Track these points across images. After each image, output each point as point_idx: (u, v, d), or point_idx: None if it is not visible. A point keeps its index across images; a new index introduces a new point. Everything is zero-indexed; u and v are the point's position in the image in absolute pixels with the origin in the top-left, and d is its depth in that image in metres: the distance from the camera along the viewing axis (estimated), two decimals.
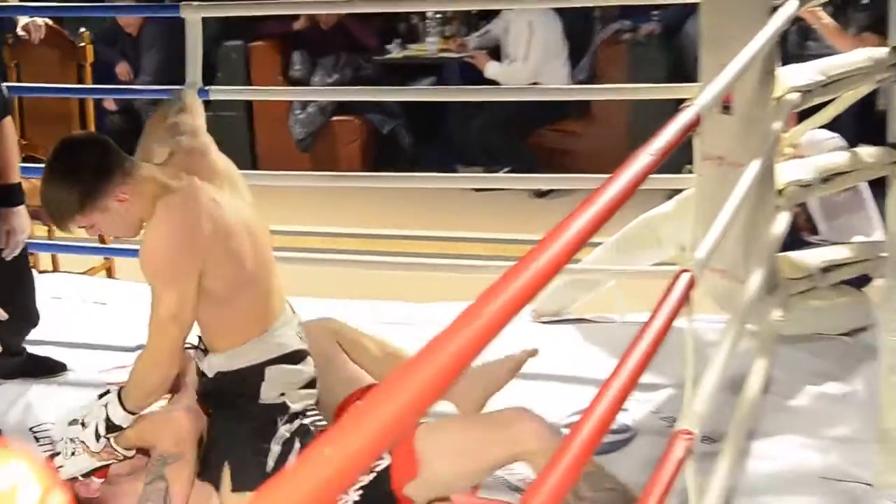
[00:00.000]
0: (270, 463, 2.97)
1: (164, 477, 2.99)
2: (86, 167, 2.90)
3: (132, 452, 3.13)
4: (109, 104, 8.14)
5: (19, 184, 3.77)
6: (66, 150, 3.01)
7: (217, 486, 3.00)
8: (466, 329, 1.24)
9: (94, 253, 5.77)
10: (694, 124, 2.10)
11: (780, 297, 3.77)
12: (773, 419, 3.66)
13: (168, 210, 2.90)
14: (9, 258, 3.69)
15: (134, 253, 5.47)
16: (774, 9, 3.46)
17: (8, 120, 3.82)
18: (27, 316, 4.05)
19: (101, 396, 3.11)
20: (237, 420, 3.04)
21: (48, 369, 4.31)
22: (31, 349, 4.33)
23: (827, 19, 4.73)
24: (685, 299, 2.13)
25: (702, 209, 2.89)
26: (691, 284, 2.15)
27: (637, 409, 3.79)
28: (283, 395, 3.03)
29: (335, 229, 6.80)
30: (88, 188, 2.89)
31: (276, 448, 2.98)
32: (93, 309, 5.01)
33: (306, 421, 3.05)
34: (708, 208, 2.50)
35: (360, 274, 5.35)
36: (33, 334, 4.46)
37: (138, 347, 4.41)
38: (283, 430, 3.00)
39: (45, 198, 2.97)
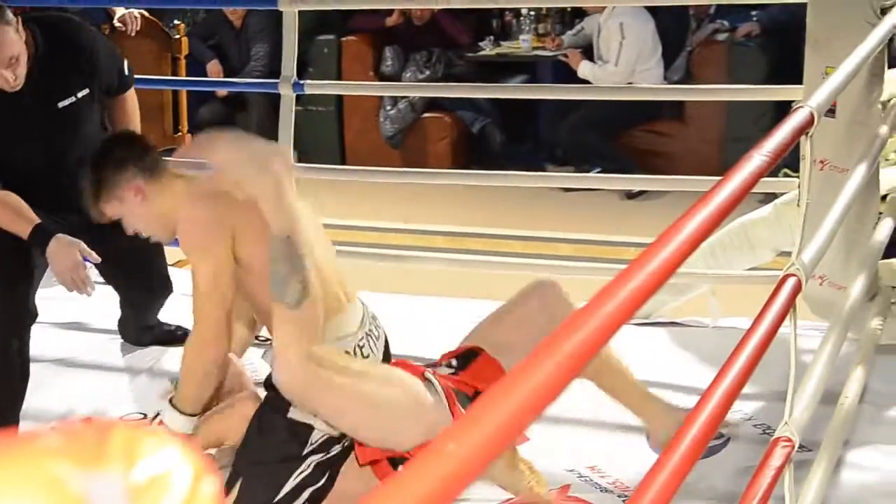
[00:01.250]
0: (279, 496, 2.95)
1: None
2: (107, 159, 3.18)
3: (214, 451, 3.14)
4: (221, 91, 8.28)
5: None
6: (102, 144, 3.36)
7: (227, 492, 2.97)
8: (579, 332, 1.22)
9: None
10: (807, 125, 2.05)
11: (880, 305, 3.70)
12: (869, 429, 3.59)
13: (195, 192, 3.04)
14: None
15: None
16: (884, 10, 3.40)
17: (131, 93, 4.03)
18: (166, 283, 4.22)
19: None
20: (264, 434, 3.01)
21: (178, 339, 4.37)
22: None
23: None
24: (791, 304, 2.09)
25: (800, 211, 2.85)
26: (797, 289, 2.11)
27: (729, 415, 3.74)
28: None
29: (423, 227, 6.80)
30: (104, 177, 3.15)
31: (291, 485, 2.95)
32: None
33: (339, 449, 3.00)
34: (810, 212, 2.46)
35: (448, 272, 5.33)
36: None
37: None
38: (309, 463, 2.96)
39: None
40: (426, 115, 8.12)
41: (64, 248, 3.54)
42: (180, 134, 5.78)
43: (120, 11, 5.66)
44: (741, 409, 3.78)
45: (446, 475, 0.89)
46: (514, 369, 1.11)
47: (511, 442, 1.01)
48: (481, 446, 0.97)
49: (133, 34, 5.68)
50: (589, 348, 1.21)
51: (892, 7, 3.36)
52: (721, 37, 7.78)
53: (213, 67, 8.25)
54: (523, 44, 8.25)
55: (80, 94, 3.76)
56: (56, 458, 0.60)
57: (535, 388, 1.08)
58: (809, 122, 2.07)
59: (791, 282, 2.09)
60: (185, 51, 5.74)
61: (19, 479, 0.59)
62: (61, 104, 3.72)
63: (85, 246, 3.57)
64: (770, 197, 4.51)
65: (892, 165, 4.16)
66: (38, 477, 0.59)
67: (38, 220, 3.59)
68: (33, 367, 3.85)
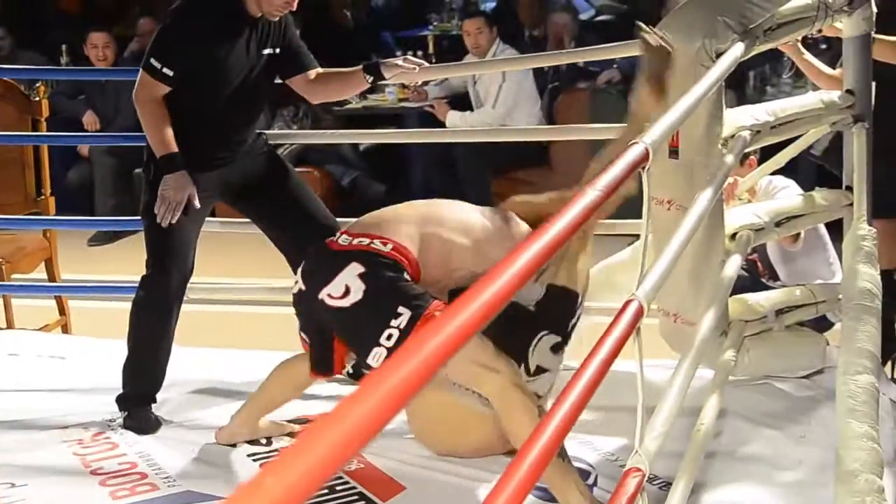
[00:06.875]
0: None
1: None
2: None
3: None
4: (83, 149, 8.27)
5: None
6: None
7: None
8: (407, 364, 1.23)
9: (44, 291, 5.77)
10: (642, 160, 2.10)
11: (733, 339, 3.77)
12: (727, 463, 3.66)
13: None
14: None
15: (83, 290, 5.57)
16: (719, 54, 3.50)
17: None
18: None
19: None
20: None
21: None
22: None
23: (808, 56, 4.51)
24: (632, 328, 2.08)
25: (653, 251, 2.91)
26: (639, 314, 2.11)
27: (592, 455, 3.78)
28: None
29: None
30: None
31: None
32: (50, 364, 4.98)
33: None
34: (659, 251, 2.50)
35: None
36: None
37: (101, 401, 4.41)
38: None
39: None
40: (295, 170, 8.09)
41: (183, 180, 4.02)
42: (43, 198, 5.67)
43: None
44: (604, 448, 3.82)
45: None
46: (343, 402, 1.11)
47: (333, 474, 1.02)
48: (301, 479, 0.96)
49: None
50: (414, 381, 1.22)
51: (725, 52, 3.46)
52: (583, 84, 7.90)
53: (89, 118, 8.20)
54: (389, 96, 8.32)
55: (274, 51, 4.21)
56: None
57: (358, 422, 1.09)
58: (644, 157, 2.12)
59: (633, 306, 2.10)
60: (45, 113, 5.63)
61: None
62: (265, 52, 4.17)
63: (195, 193, 4.04)
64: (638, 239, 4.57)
65: (744, 204, 4.26)
66: None
67: (176, 149, 4.00)
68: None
